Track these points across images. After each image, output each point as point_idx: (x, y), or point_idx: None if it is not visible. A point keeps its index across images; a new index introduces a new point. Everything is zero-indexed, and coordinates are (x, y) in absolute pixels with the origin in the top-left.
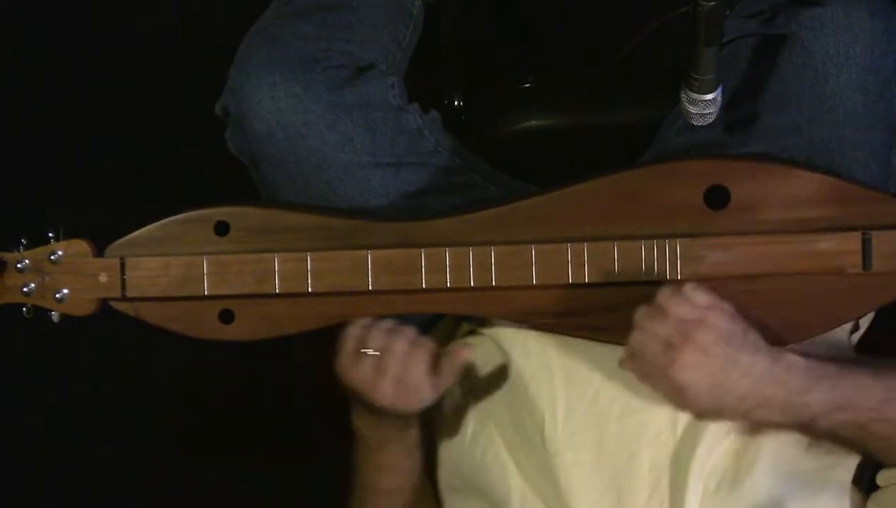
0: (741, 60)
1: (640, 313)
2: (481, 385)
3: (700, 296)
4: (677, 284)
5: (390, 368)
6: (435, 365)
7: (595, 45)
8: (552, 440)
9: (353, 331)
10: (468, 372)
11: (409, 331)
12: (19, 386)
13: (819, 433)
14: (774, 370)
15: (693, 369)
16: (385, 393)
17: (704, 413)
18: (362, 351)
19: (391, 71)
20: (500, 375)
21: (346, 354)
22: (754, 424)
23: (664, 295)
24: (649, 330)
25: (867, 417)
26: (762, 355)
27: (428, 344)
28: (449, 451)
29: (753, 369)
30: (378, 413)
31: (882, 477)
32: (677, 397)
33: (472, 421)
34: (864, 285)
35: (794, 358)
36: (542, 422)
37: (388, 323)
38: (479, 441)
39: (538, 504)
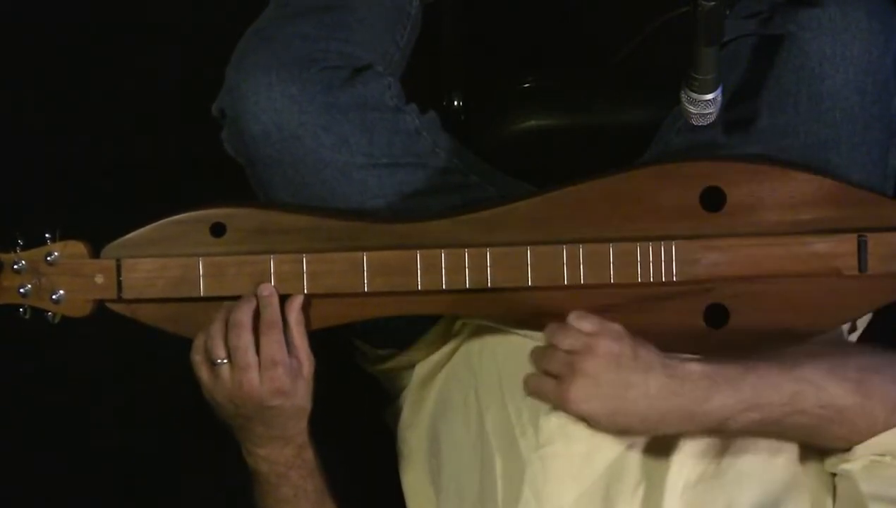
0: (741, 61)
1: (535, 352)
2: (479, 373)
3: (584, 324)
4: (562, 316)
5: (247, 360)
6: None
7: (595, 45)
8: (546, 430)
9: (196, 358)
10: (468, 359)
11: (245, 317)
12: (18, 386)
13: (736, 434)
14: (670, 384)
15: (586, 399)
16: (255, 386)
17: (615, 434)
18: (213, 365)
19: (388, 71)
20: (499, 364)
21: (204, 380)
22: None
23: (550, 330)
24: (541, 367)
25: (780, 413)
26: (655, 372)
27: (271, 317)
28: (444, 434)
29: (648, 388)
30: (269, 436)
31: (828, 463)
32: (586, 424)
33: (467, 406)
34: (860, 287)
35: (690, 368)
36: (539, 411)
37: (217, 326)
38: (467, 424)
39: (523, 493)
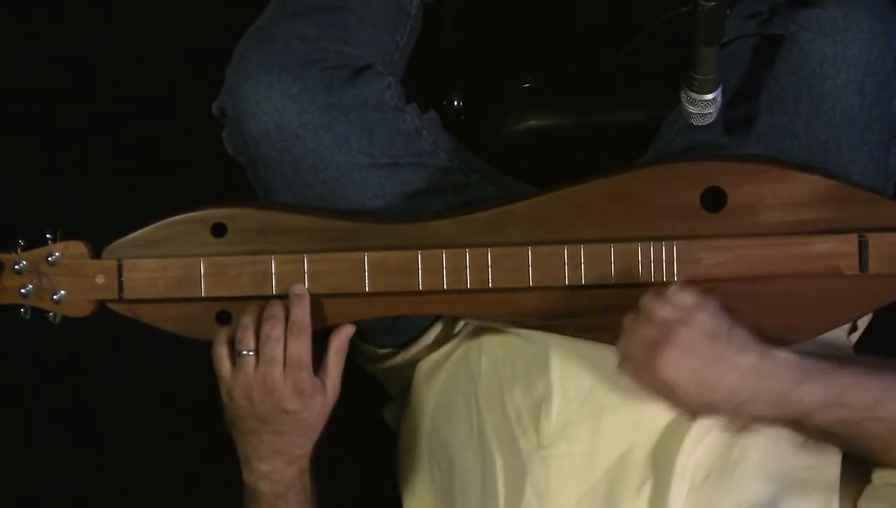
0: (740, 61)
1: (627, 318)
2: (480, 373)
3: (683, 297)
4: (662, 286)
5: (275, 353)
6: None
7: (595, 45)
8: (546, 430)
9: (220, 349)
10: (468, 359)
11: (281, 313)
12: (19, 385)
13: (812, 430)
14: (763, 366)
15: (676, 367)
16: (278, 382)
17: (697, 410)
18: (238, 357)
19: (389, 71)
20: (499, 365)
21: (225, 373)
22: (747, 420)
23: (648, 298)
24: (635, 332)
25: (860, 416)
26: (749, 351)
27: (301, 318)
28: (439, 437)
29: (740, 364)
30: (277, 449)
31: (878, 476)
32: (668, 396)
33: (467, 407)
34: (861, 287)
35: (785, 355)
36: (539, 412)
37: (250, 317)
38: (468, 425)
39: (525, 493)
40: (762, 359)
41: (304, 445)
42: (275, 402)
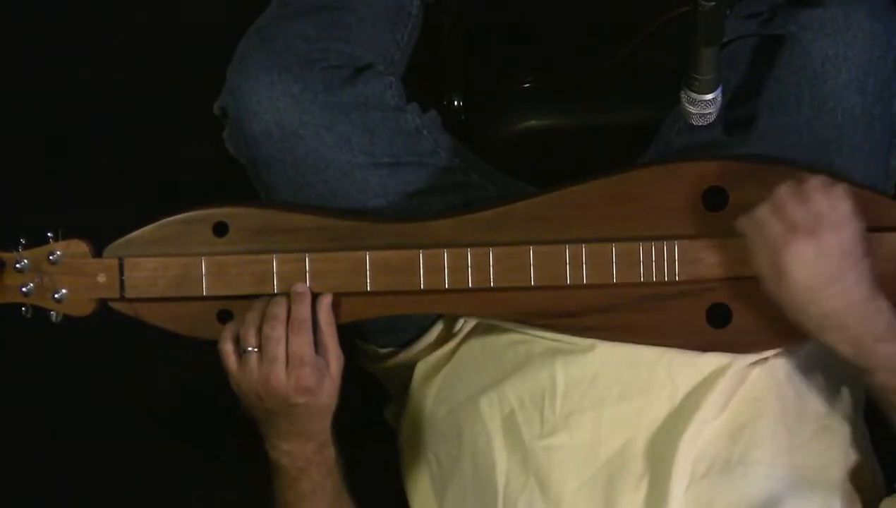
0: (741, 61)
1: (785, 187)
2: (481, 371)
3: (844, 205)
4: (829, 180)
5: (276, 353)
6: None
7: (595, 45)
8: (549, 420)
9: (226, 346)
10: (470, 357)
11: (282, 311)
12: (19, 385)
13: (875, 385)
14: (866, 306)
15: (803, 261)
16: (281, 381)
17: (785, 303)
18: (242, 353)
19: (390, 71)
20: (501, 362)
21: (232, 369)
22: (817, 342)
23: (815, 183)
24: (785, 205)
25: None
26: (863, 287)
27: (302, 314)
28: (436, 426)
29: (850, 294)
30: (292, 431)
31: None
32: (773, 277)
33: (468, 403)
34: None
35: (886, 306)
36: (542, 402)
37: (253, 315)
38: (469, 417)
39: (527, 481)
40: (868, 301)
41: (318, 424)
42: (281, 399)
